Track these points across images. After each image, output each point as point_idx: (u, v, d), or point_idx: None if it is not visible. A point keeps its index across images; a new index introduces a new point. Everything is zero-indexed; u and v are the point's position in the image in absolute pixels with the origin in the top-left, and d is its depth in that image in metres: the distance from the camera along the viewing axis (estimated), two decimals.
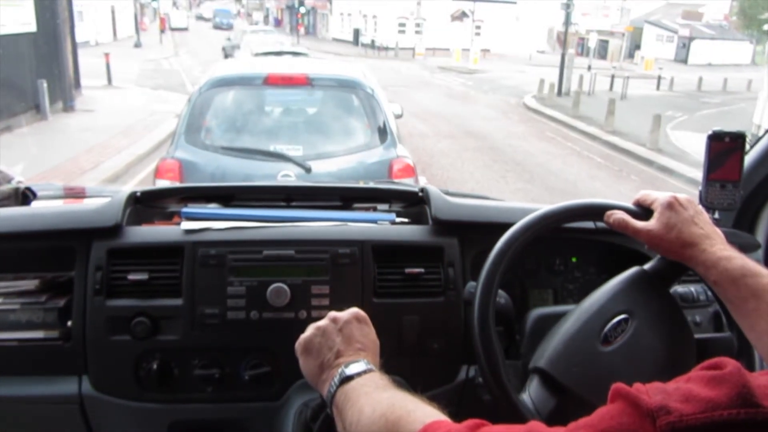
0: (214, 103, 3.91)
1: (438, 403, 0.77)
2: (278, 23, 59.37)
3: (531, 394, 0.97)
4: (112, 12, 36.54)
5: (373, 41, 37.73)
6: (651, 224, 0.98)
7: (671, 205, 0.97)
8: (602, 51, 39.53)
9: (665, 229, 0.96)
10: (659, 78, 21.66)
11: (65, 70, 11.79)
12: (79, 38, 29.28)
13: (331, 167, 3.72)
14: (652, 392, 0.55)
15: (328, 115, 4.12)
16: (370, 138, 3.92)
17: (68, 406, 1.24)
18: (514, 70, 27.66)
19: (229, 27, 45.02)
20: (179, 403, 1.25)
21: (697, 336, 1.02)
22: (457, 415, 0.72)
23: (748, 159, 1.42)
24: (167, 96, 14.73)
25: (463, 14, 40.33)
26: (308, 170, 3.59)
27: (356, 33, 43.44)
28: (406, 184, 1.85)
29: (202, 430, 1.29)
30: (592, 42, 29.63)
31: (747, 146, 1.29)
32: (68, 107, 12.01)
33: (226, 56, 21.50)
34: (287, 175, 3.57)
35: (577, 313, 1.01)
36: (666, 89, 21.26)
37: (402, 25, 41.25)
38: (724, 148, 1.14)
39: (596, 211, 1.06)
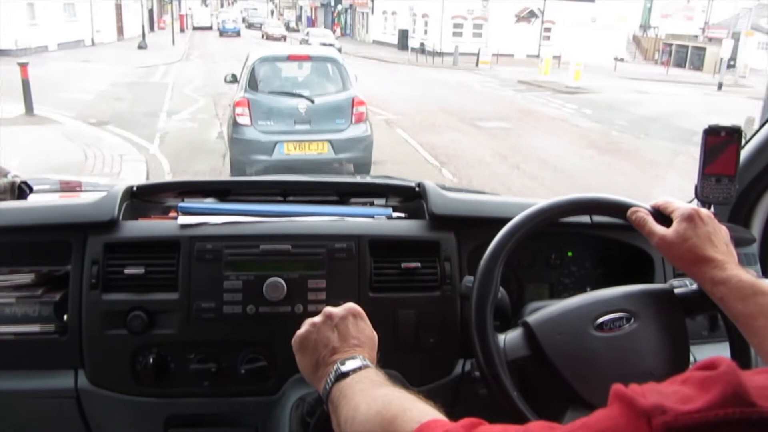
0: (262, 68, 7.73)
1: (434, 398, 0.82)
2: (311, 23, 52.69)
3: (507, 337, 1.04)
4: (117, 7, 29.72)
5: (422, 44, 30.46)
6: (667, 231, 1.02)
7: (691, 218, 1.00)
8: (696, 60, 31.44)
9: (680, 239, 0.99)
10: None
11: None
12: (70, 37, 22.51)
13: (323, 100, 7.47)
14: (648, 393, 0.56)
15: (320, 75, 8.07)
16: (342, 86, 7.74)
17: (64, 400, 1.30)
18: (625, 88, 20.06)
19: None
20: (175, 397, 1.31)
21: None
22: (453, 409, 0.77)
23: (744, 153, 1.45)
24: (99, 148, 7.56)
25: (531, 14, 32.61)
26: (312, 101, 7.30)
27: (402, 35, 36.81)
28: (404, 179, 1.82)
29: (199, 424, 1.34)
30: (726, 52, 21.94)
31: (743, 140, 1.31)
32: None
33: None
34: (302, 100, 7.37)
35: (585, 295, 1.08)
36: None
37: (458, 25, 33.77)
38: (720, 142, 1.14)
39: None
